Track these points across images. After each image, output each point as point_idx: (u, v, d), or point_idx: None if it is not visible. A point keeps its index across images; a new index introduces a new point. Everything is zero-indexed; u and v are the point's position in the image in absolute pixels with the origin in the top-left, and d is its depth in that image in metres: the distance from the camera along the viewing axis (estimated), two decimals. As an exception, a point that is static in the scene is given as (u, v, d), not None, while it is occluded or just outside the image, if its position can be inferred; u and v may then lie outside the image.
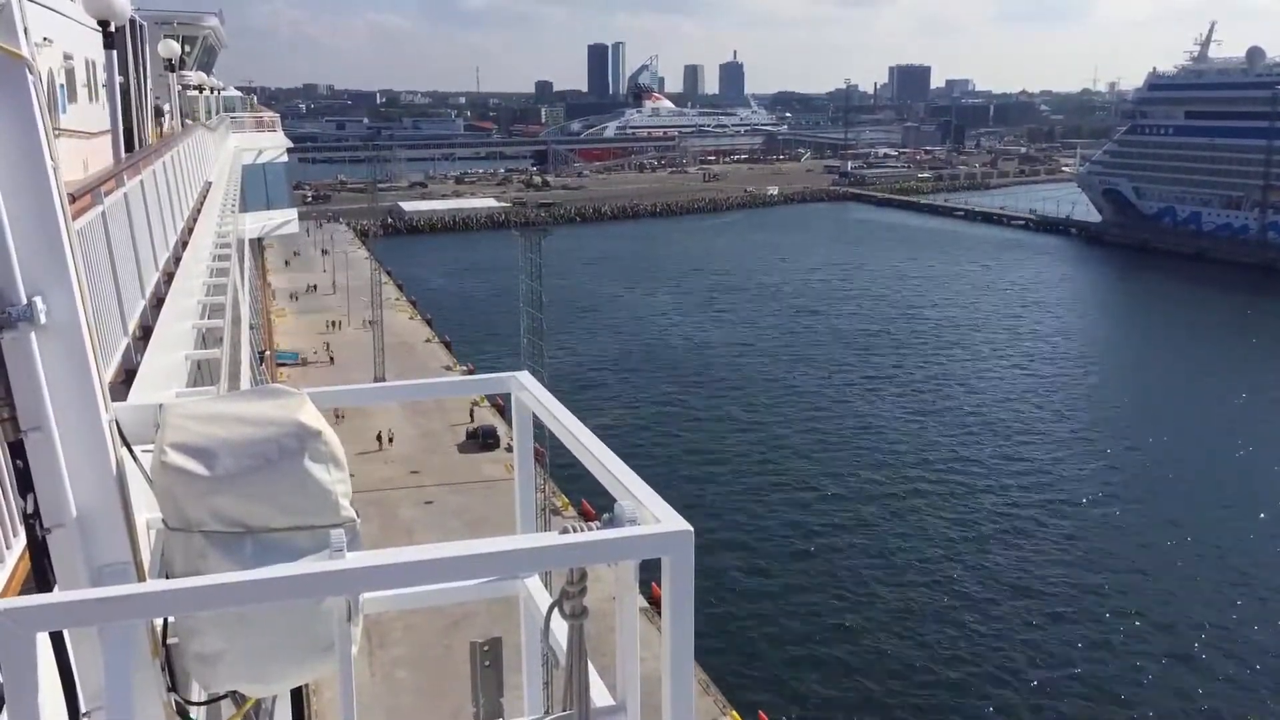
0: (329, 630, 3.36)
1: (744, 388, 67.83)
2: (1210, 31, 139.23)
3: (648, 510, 3.18)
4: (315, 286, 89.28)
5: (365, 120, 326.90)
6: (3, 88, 2.95)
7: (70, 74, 19.34)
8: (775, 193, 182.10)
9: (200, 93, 40.19)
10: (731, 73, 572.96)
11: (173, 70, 27.85)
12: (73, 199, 6.92)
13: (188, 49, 42.12)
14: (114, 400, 3.38)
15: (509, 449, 40.23)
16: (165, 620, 3.44)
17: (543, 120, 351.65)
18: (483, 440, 49.56)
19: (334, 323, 75.36)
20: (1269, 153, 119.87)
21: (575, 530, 3.09)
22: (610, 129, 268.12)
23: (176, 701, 3.48)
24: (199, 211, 17.97)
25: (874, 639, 36.71)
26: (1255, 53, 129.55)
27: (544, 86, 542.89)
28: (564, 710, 3.41)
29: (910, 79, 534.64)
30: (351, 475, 3.55)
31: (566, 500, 42.03)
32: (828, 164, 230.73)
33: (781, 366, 73.38)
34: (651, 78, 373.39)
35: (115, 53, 14.01)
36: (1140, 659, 35.63)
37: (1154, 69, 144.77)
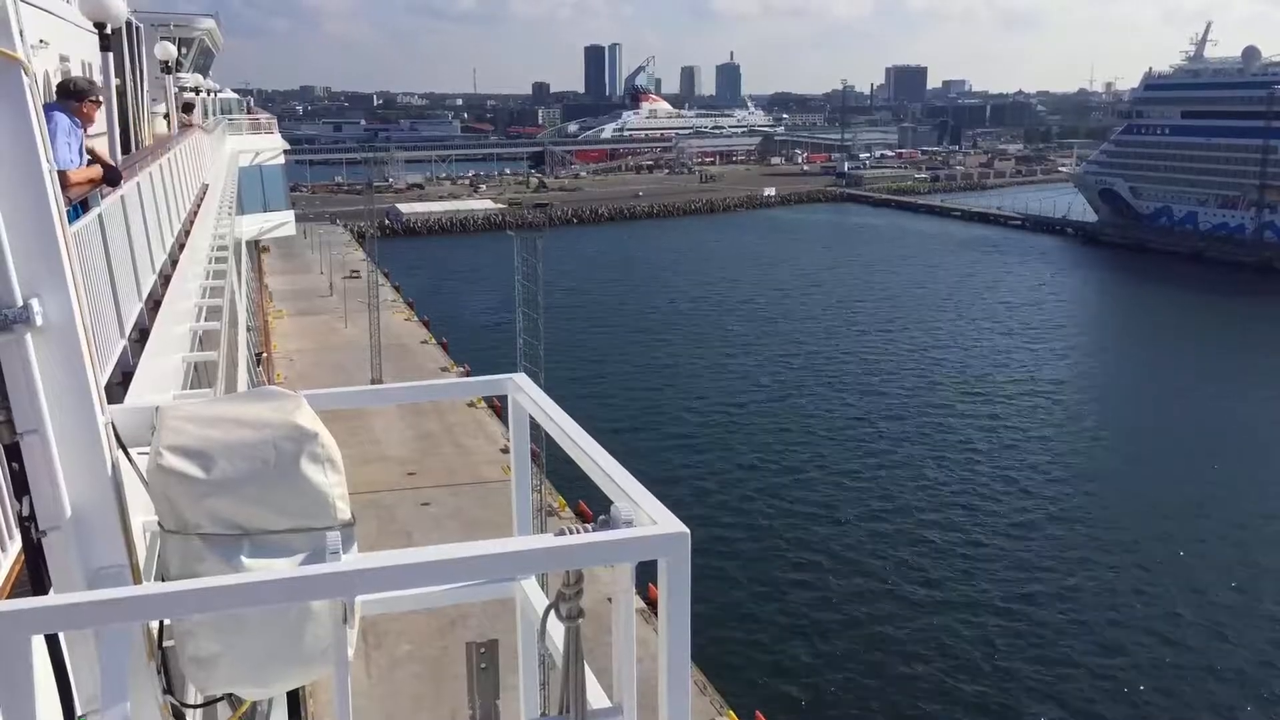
0: (325, 633, 3.36)
1: (742, 389, 67.82)
2: (1206, 31, 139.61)
3: (644, 512, 3.18)
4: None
5: (362, 122, 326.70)
6: (-2, 90, 2.95)
7: (67, 76, 19.32)
8: (772, 194, 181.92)
9: (197, 95, 40.16)
10: (728, 74, 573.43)
11: (169, 72, 27.85)
12: (68, 201, 6.91)
13: (184, 51, 42.10)
14: (110, 402, 3.38)
15: (505, 450, 40.20)
16: (161, 623, 3.44)
17: (540, 122, 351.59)
18: None
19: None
20: (1265, 152, 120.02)
21: (572, 532, 3.10)
22: (607, 130, 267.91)
23: (172, 704, 3.48)
24: (196, 214, 17.97)
25: (874, 639, 36.68)
26: (1251, 52, 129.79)
27: (541, 88, 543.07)
28: (560, 712, 3.41)
29: (907, 79, 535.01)
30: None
31: (564, 501, 42.00)
32: (825, 165, 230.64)
33: (779, 368, 73.37)
34: (648, 79, 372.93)
35: (111, 55, 14.01)
36: (1146, 662, 35.63)
37: (1150, 69, 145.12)
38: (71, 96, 9.75)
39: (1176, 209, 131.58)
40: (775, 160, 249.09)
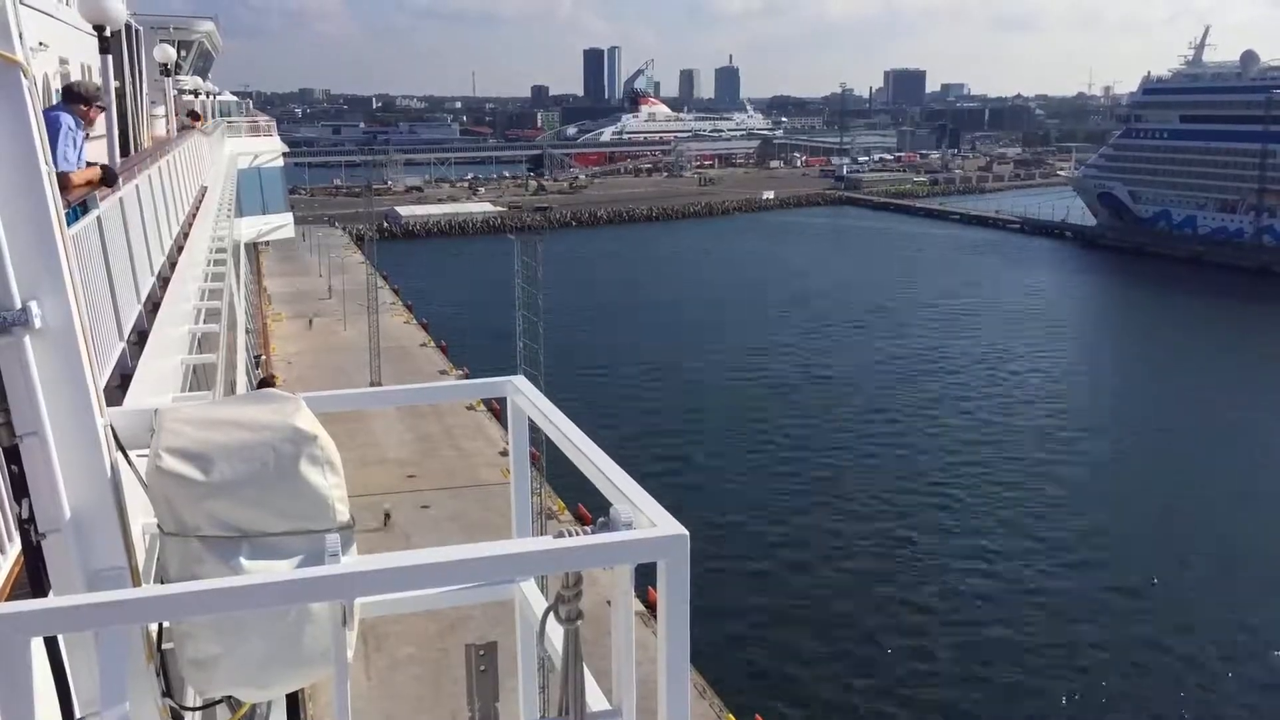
0: (325, 635, 3.36)
1: (741, 391, 67.79)
2: (1205, 35, 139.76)
3: (643, 514, 3.18)
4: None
5: (361, 125, 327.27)
6: (-2, 92, 2.96)
7: (66, 79, 19.33)
8: (771, 197, 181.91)
9: (196, 97, 40.20)
10: (727, 77, 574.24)
11: (168, 75, 27.88)
12: (68, 203, 6.91)
13: (183, 54, 42.16)
14: (109, 405, 3.38)
15: (504, 453, 40.18)
16: (160, 625, 3.44)
17: (539, 125, 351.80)
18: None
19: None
20: (1263, 156, 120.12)
21: (571, 534, 3.10)
22: (606, 134, 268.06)
23: (171, 707, 3.48)
24: (195, 216, 17.97)
25: (875, 643, 36.65)
26: (1249, 57, 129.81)
27: (540, 91, 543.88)
28: (560, 714, 3.41)
29: (905, 83, 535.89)
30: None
31: (563, 504, 41.98)
32: (824, 168, 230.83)
33: (778, 370, 73.35)
34: (647, 82, 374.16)
35: (111, 57, 14.00)
36: (1150, 663, 35.63)
37: (1149, 73, 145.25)
38: (79, 100, 9.80)
39: (1175, 213, 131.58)
40: (775, 164, 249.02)
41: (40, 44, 16.75)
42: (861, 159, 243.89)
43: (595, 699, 3.50)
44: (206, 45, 49.22)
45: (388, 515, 40.05)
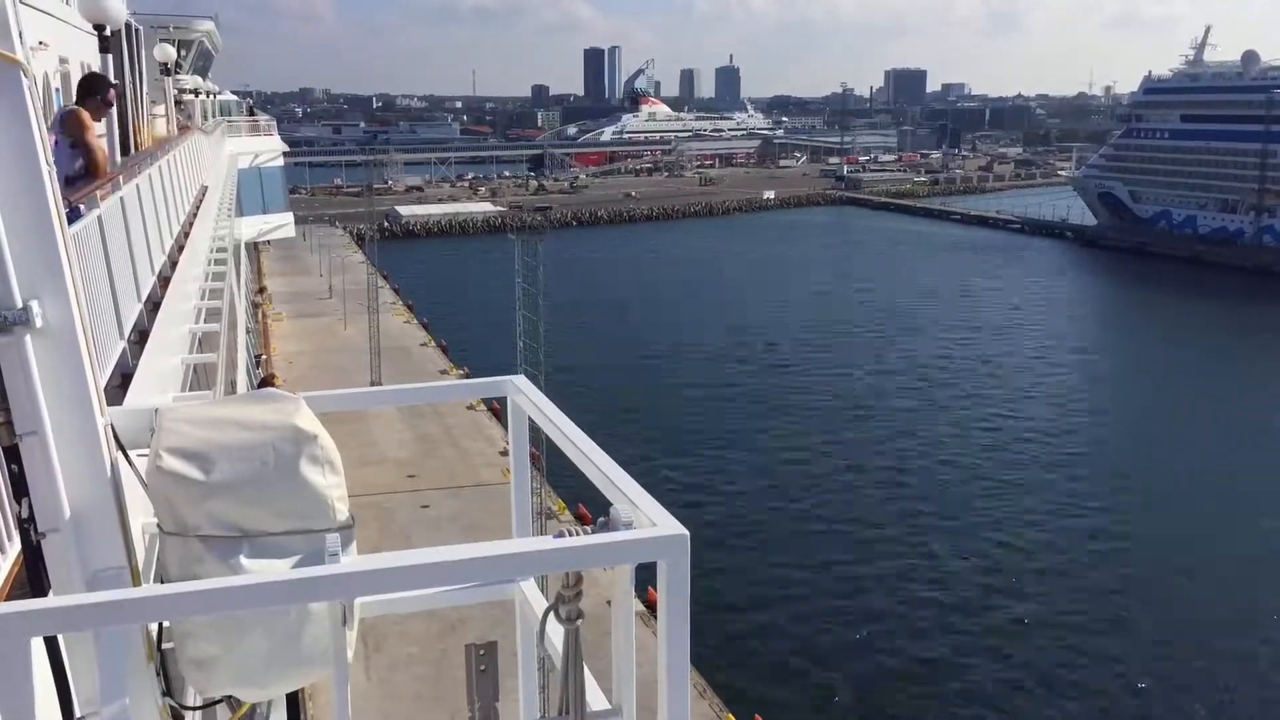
0: (325, 634, 3.36)
1: (742, 391, 67.80)
2: (1205, 35, 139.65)
3: (644, 514, 3.18)
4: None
5: (361, 124, 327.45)
6: (-2, 92, 2.96)
7: (66, 78, 19.32)
8: (771, 197, 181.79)
9: (196, 96, 40.20)
10: (728, 76, 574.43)
11: (169, 74, 27.88)
12: (68, 203, 6.91)
13: (183, 53, 42.17)
14: (110, 404, 3.38)
15: (505, 453, 40.17)
16: (160, 625, 3.44)
17: (539, 124, 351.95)
18: None
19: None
20: (1264, 155, 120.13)
21: (571, 534, 3.10)
22: (607, 133, 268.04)
23: (171, 706, 3.48)
24: (195, 215, 17.96)
25: (875, 644, 36.64)
26: (1250, 56, 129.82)
27: (540, 90, 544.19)
28: (560, 714, 3.41)
29: (906, 82, 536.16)
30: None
31: (563, 504, 41.97)
32: (824, 168, 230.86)
33: (778, 369, 73.36)
34: (648, 82, 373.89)
35: (111, 57, 14.00)
36: (1153, 666, 35.63)
37: (1149, 72, 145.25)
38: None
39: (1175, 213, 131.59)
40: (785, 162, 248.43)
41: (40, 43, 16.74)
42: (862, 158, 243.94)
43: (595, 699, 3.51)
44: (207, 44, 49.23)
45: None
